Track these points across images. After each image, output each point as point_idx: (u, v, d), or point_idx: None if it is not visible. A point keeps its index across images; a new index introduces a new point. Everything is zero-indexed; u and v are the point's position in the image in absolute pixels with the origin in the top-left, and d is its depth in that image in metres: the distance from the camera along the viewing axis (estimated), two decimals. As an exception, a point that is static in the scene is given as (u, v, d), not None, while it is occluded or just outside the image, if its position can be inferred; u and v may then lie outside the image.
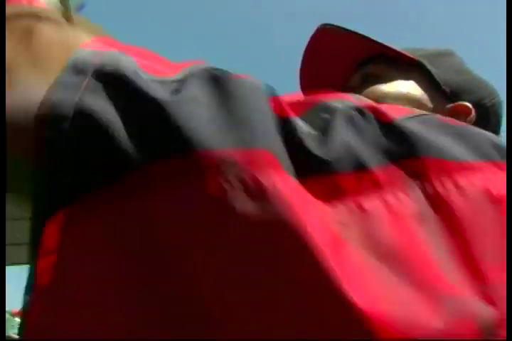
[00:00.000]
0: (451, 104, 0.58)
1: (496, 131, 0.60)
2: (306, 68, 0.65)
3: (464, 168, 0.31)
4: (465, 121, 0.54)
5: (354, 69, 0.62)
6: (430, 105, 0.57)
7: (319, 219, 0.25)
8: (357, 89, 0.57)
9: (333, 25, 0.60)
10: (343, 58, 0.62)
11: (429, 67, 0.60)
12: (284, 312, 0.24)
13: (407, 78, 0.59)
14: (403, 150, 0.30)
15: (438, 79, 0.59)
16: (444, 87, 0.59)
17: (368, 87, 0.57)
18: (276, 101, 0.29)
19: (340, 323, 0.23)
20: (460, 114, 0.57)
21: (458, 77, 0.61)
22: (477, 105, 0.59)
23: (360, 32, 0.60)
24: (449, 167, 0.30)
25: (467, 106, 0.57)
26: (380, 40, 0.61)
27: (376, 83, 0.58)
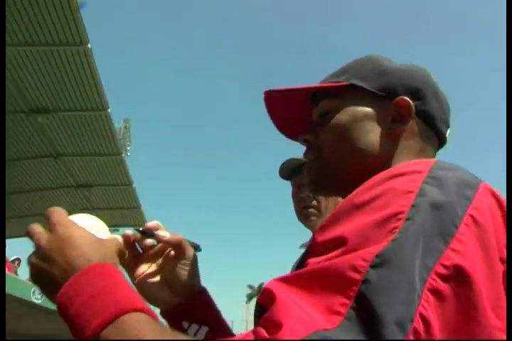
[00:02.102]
0: (391, 102, 0.70)
1: (437, 97, 0.73)
2: (275, 118, 0.81)
3: None
4: (408, 113, 0.68)
5: (311, 103, 0.77)
6: (379, 111, 0.70)
7: None
8: (319, 127, 0.73)
9: (273, 90, 0.75)
10: (297, 104, 0.78)
11: (360, 83, 0.71)
12: None
13: (351, 101, 0.71)
14: None
15: (371, 89, 0.71)
16: (379, 93, 0.71)
17: (326, 122, 0.72)
18: None
19: None
20: (403, 107, 0.69)
21: (384, 79, 0.71)
22: (413, 91, 0.70)
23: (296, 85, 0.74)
24: None
25: (403, 99, 0.69)
26: (316, 82, 0.76)
27: (330, 118, 0.72)
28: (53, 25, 5.53)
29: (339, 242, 0.47)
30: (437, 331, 0.42)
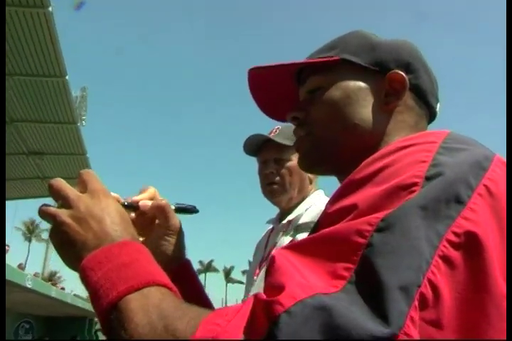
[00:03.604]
0: (384, 76, 0.68)
1: (426, 71, 0.72)
2: (259, 97, 0.79)
3: None
4: (403, 86, 0.67)
5: (295, 82, 0.76)
6: (373, 86, 0.68)
7: None
8: (310, 104, 0.70)
9: (258, 67, 0.73)
10: (280, 82, 0.76)
11: (352, 58, 0.69)
12: None
13: (342, 76, 0.69)
14: None
15: (364, 64, 0.69)
16: (372, 68, 0.69)
17: (317, 98, 0.69)
18: None
19: None
20: (397, 81, 0.68)
21: (375, 53, 0.69)
22: (405, 65, 0.69)
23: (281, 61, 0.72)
24: None
25: (397, 73, 0.68)
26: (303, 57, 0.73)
27: (321, 94, 0.69)
28: (13, -16, 5.37)
29: (349, 210, 0.47)
30: (447, 298, 0.41)
